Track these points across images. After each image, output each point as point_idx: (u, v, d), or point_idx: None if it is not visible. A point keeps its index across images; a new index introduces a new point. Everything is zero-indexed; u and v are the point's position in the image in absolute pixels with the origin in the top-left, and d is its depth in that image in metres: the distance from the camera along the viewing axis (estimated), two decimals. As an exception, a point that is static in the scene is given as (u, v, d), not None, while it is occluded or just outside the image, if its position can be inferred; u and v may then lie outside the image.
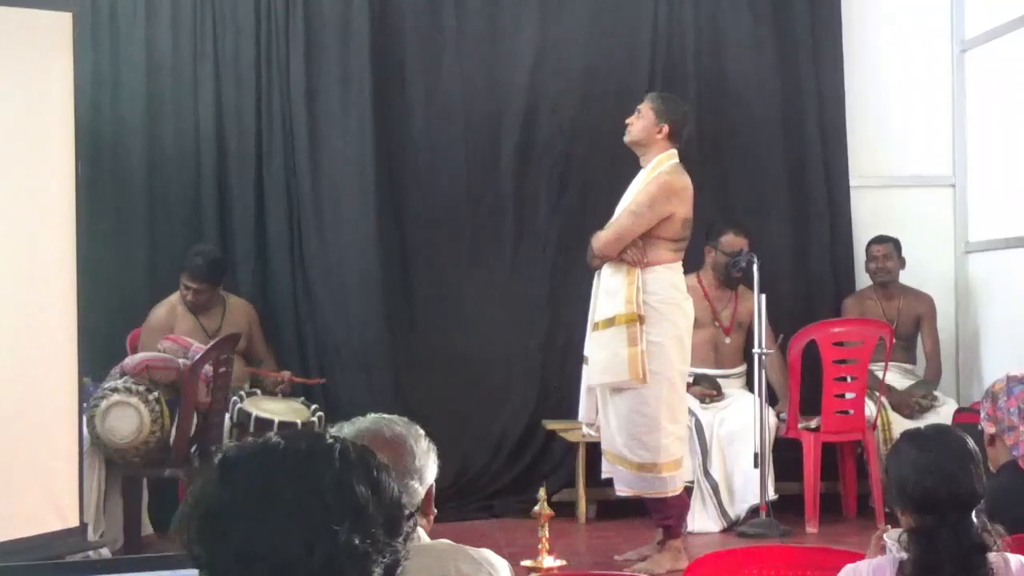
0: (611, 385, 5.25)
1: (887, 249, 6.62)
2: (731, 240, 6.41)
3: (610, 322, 5.21)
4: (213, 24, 6.56)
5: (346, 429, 2.34)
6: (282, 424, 5.55)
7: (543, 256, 6.77)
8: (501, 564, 2.34)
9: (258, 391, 6.03)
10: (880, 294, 6.68)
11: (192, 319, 6.10)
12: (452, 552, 2.30)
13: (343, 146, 6.61)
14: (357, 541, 1.34)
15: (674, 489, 5.28)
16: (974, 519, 2.50)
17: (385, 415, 2.40)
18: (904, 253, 6.68)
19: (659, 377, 5.18)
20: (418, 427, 2.39)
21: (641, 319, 5.15)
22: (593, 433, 5.53)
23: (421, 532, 2.31)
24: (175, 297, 6.14)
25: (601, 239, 5.29)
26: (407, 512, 1.42)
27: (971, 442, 2.61)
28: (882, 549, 2.62)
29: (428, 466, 2.35)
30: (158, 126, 6.51)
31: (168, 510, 5.65)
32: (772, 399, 6.24)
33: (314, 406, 5.94)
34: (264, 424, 5.58)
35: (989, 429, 3.47)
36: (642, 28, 6.84)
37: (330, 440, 1.41)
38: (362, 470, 1.39)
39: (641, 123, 5.35)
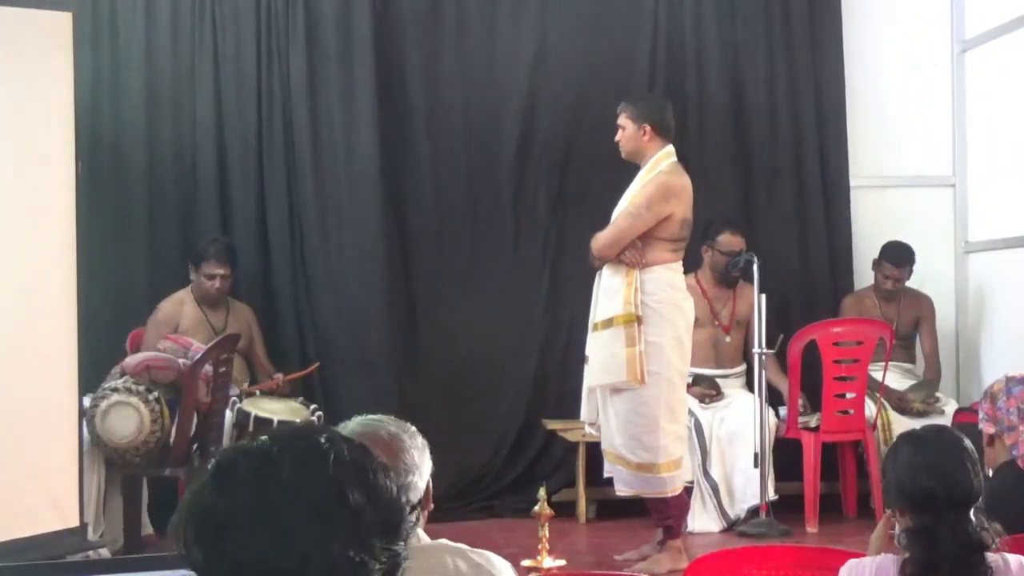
0: (610, 385, 5.26)
1: (903, 273, 6.58)
2: (728, 240, 6.41)
3: (609, 323, 5.22)
4: (213, 24, 6.56)
5: (347, 431, 2.33)
6: (281, 424, 5.55)
7: (543, 256, 6.77)
8: (504, 566, 2.33)
9: (256, 392, 6.04)
10: (879, 295, 6.68)
11: (199, 314, 6.10)
12: (452, 552, 2.30)
13: (344, 145, 6.61)
14: (352, 552, 1.32)
15: (674, 489, 5.29)
16: (972, 518, 2.50)
17: (372, 416, 2.39)
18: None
19: (658, 377, 5.18)
20: (410, 425, 2.40)
21: (639, 320, 5.16)
22: (595, 433, 5.54)
23: (422, 533, 2.31)
24: (183, 293, 6.14)
25: (599, 241, 5.30)
26: (406, 512, 1.40)
27: (968, 441, 2.61)
28: (892, 526, 2.62)
29: (423, 465, 2.35)
30: (158, 126, 6.50)
31: (168, 510, 5.63)
32: (772, 399, 6.23)
33: (313, 406, 5.94)
34: (263, 424, 5.58)
35: (988, 429, 3.47)
36: (642, 28, 6.84)
37: (325, 444, 1.39)
38: (357, 474, 1.37)
39: (626, 135, 5.37)
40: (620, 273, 5.25)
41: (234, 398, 5.75)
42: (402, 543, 1.38)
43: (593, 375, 5.33)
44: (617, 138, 5.41)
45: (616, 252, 5.24)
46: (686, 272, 5.60)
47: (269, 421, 5.59)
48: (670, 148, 5.36)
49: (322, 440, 1.40)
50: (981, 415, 3.52)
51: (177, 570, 1.85)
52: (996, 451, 3.48)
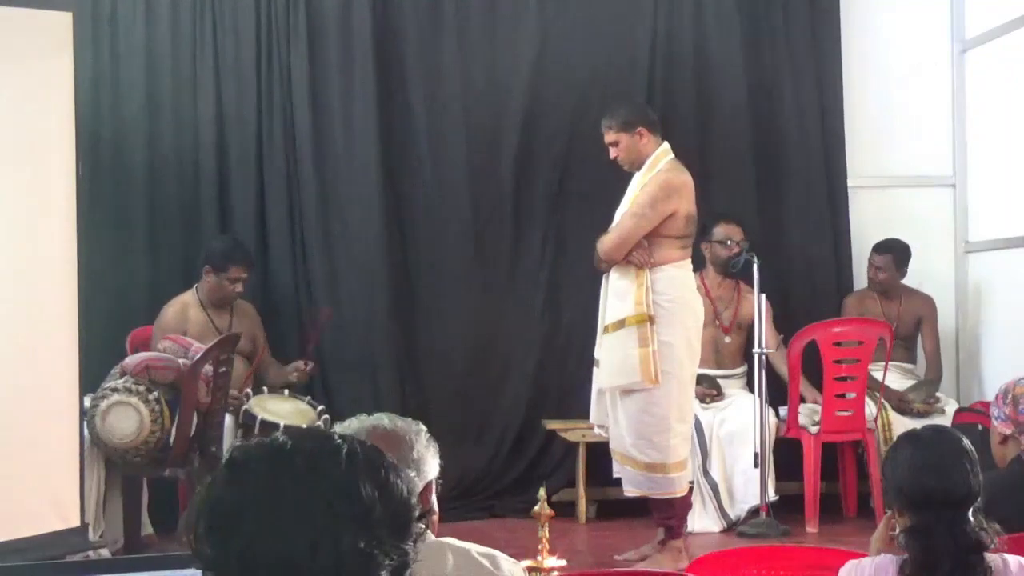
0: (623, 388, 5.23)
1: (884, 261, 6.58)
2: (723, 229, 6.42)
3: (620, 324, 5.19)
4: (213, 24, 6.56)
5: (354, 425, 2.35)
6: (287, 428, 5.52)
7: (543, 256, 6.77)
8: (510, 567, 2.31)
9: (265, 389, 6.02)
10: (880, 294, 6.68)
11: (205, 319, 6.07)
12: (455, 550, 2.29)
13: (345, 146, 6.61)
14: (362, 544, 1.33)
15: (681, 489, 5.29)
16: (970, 518, 2.50)
17: (378, 414, 2.41)
18: (905, 255, 6.67)
19: (669, 377, 5.17)
20: (421, 425, 2.40)
21: (651, 319, 5.14)
22: (604, 434, 5.51)
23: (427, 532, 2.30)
24: (186, 296, 6.10)
25: (605, 243, 5.27)
26: (416, 513, 1.41)
27: (967, 441, 2.62)
28: (893, 527, 2.63)
29: (427, 460, 2.35)
30: (158, 126, 6.50)
31: (168, 510, 5.69)
32: (773, 399, 6.23)
33: (320, 407, 5.91)
34: (269, 427, 5.55)
35: (1005, 429, 3.47)
36: (641, 29, 6.84)
37: (338, 440, 1.41)
38: (369, 471, 1.38)
39: (623, 147, 5.34)
40: (629, 274, 5.22)
41: (242, 397, 5.76)
42: (411, 543, 1.39)
43: (605, 377, 5.29)
44: (613, 156, 5.38)
45: (623, 254, 5.22)
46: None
47: (276, 425, 5.55)
48: (666, 145, 5.36)
49: (336, 437, 1.42)
50: (996, 412, 3.50)
51: (177, 570, 1.86)
52: (1008, 449, 3.49)
